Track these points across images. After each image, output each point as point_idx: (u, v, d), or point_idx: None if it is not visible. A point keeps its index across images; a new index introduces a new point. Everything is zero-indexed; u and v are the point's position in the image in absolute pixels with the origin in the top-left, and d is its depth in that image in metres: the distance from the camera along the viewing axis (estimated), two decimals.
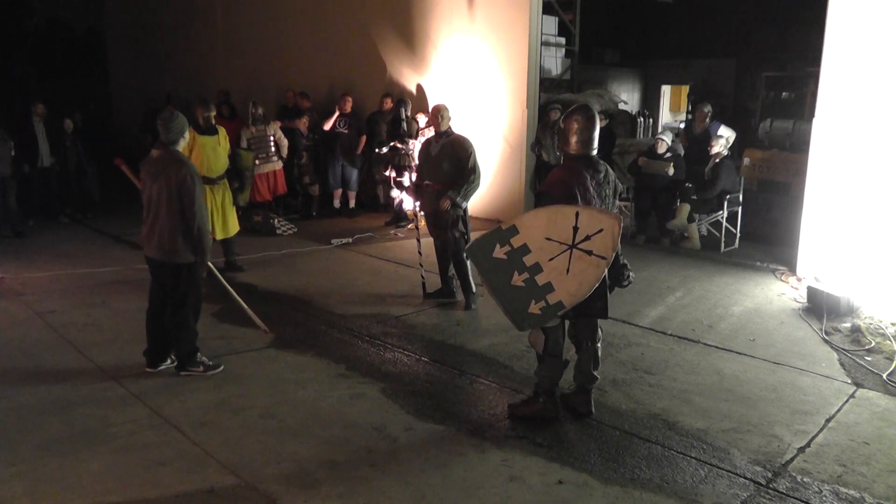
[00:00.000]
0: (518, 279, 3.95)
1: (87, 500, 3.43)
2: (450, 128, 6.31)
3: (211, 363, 4.93)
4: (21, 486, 3.53)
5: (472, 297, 6.36)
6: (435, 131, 6.36)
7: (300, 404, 4.47)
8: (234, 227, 7.35)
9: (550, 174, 4.32)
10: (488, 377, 4.87)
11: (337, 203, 10.77)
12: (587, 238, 3.87)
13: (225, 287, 5.40)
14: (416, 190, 6.57)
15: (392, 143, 10.01)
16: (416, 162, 9.69)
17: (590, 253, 3.87)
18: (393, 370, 5.01)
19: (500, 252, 3.96)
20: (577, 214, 3.89)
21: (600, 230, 3.86)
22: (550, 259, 3.91)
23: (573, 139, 4.16)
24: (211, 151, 7.05)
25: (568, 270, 3.91)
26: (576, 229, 3.88)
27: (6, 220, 9.31)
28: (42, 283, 7.10)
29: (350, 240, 8.96)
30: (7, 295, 6.69)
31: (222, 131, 7.30)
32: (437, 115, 6.29)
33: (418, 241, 6.85)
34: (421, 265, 6.79)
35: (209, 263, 5.06)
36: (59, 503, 3.41)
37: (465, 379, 4.86)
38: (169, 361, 4.99)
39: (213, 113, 7.24)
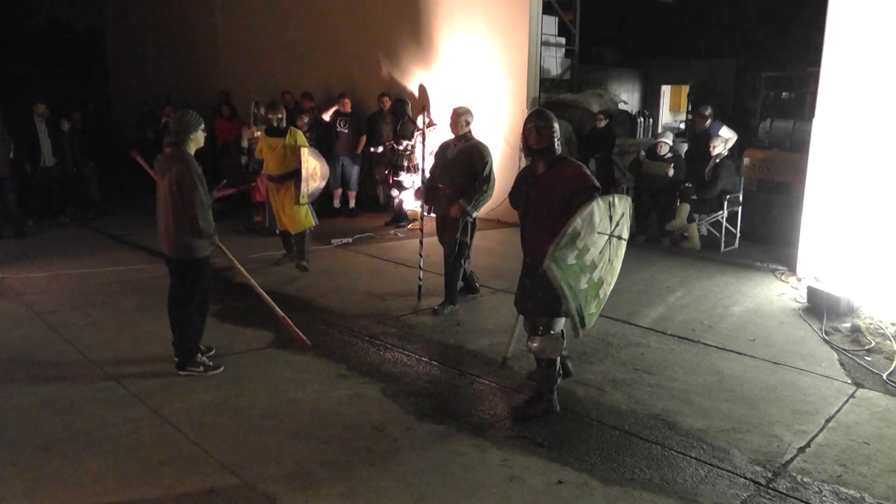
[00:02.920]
0: (584, 281, 3.87)
1: (87, 500, 3.43)
2: (469, 132, 6.16)
3: (211, 364, 4.93)
4: (21, 486, 3.53)
5: (447, 305, 6.23)
6: (453, 134, 6.20)
7: (300, 404, 4.47)
8: (298, 222, 7.35)
9: (579, 170, 4.16)
10: (488, 377, 4.87)
11: (337, 203, 10.78)
12: (617, 224, 3.98)
13: (266, 300, 5.37)
14: (426, 191, 6.37)
15: (388, 143, 10.03)
16: (416, 162, 9.76)
17: (620, 237, 4.02)
18: (393, 370, 5.01)
19: (571, 258, 3.81)
20: (610, 203, 3.93)
21: (623, 213, 4.02)
22: (600, 252, 3.93)
23: (556, 140, 4.22)
24: (273, 152, 7.29)
25: (610, 259, 4.01)
26: (611, 217, 3.93)
27: (6, 220, 9.31)
28: (42, 283, 7.10)
29: (350, 240, 8.96)
30: (7, 295, 6.69)
31: (294, 133, 7.35)
32: (457, 118, 6.12)
33: (421, 243, 6.81)
34: (420, 267, 6.77)
35: (238, 265, 5.15)
36: (59, 503, 3.41)
37: (465, 379, 4.86)
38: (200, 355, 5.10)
39: (281, 115, 7.34)
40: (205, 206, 4.67)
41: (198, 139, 4.83)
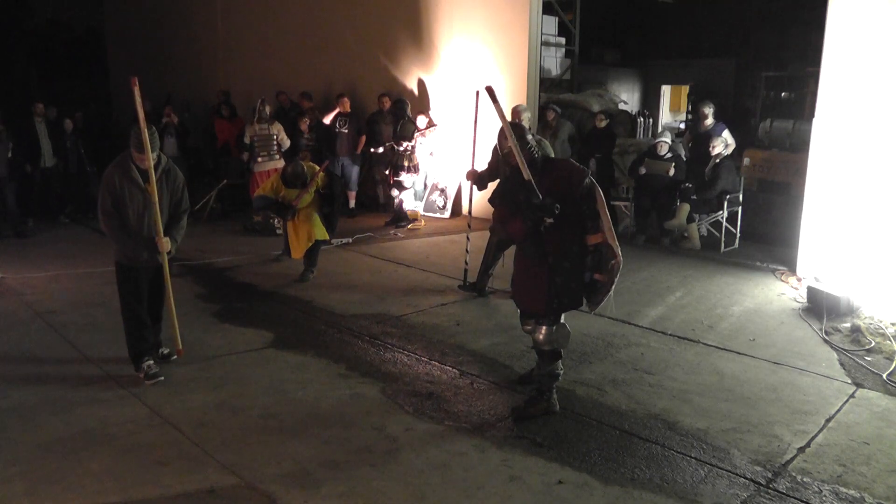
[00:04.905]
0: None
1: (87, 500, 3.43)
2: (528, 128, 6.32)
3: (153, 373, 4.75)
4: (21, 486, 3.53)
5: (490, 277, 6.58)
6: None
7: (300, 404, 4.47)
8: (311, 233, 7.18)
9: (569, 166, 4.27)
10: (488, 377, 4.87)
11: None
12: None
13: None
14: (478, 180, 6.41)
15: (389, 144, 10.03)
16: (416, 162, 9.75)
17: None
18: (393, 370, 5.00)
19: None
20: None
21: None
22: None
23: (534, 150, 4.27)
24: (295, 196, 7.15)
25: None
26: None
27: (6, 220, 9.31)
28: (42, 283, 7.10)
29: (350, 240, 8.96)
30: (7, 295, 6.69)
31: (313, 177, 7.13)
32: (516, 116, 6.28)
33: (468, 238, 6.86)
34: (466, 262, 6.83)
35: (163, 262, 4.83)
36: (59, 503, 3.41)
37: (465, 379, 4.86)
38: (156, 353, 5.02)
39: (300, 169, 7.10)
40: (99, 215, 4.67)
41: (133, 154, 4.61)
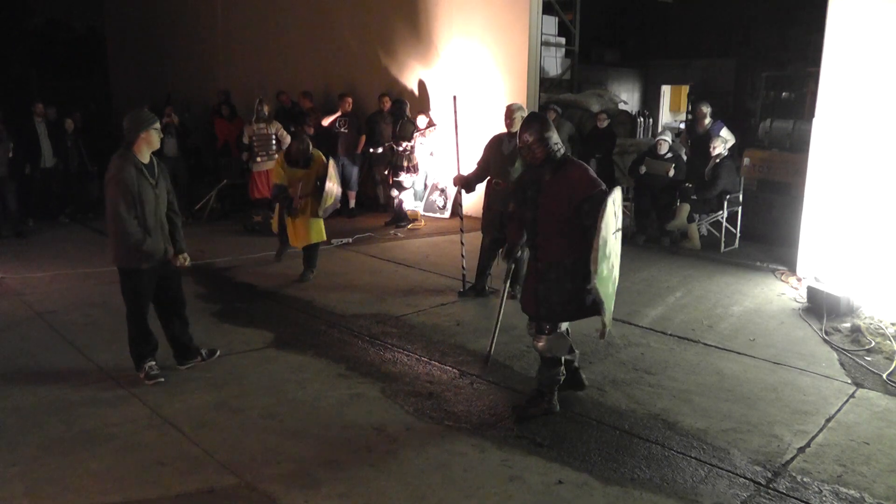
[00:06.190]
0: (611, 286, 4.01)
1: (87, 500, 3.43)
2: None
3: (154, 373, 4.74)
4: (21, 486, 3.53)
5: (518, 288, 6.08)
6: (507, 129, 6.25)
7: (300, 404, 4.47)
8: (308, 235, 7.16)
9: (585, 173, 4.09)
10: (488, 377, 4.87)
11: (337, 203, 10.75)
12: (616, 216, 3.95)
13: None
14: (466, 184, 6.39)
15: (388, 144, 10.03)
16: (415, 162, 9.75)
17: (617, 230, 4.01)
18: (393, 370, 5.00)
19: (605, 269, 3.83)
20: (613, 200, 3.83)
21: (619, 204, 4.02)
22: (617, 252, 4.05)
23: (554, 146, 4.12)
24: (297, 180, 7.10)
25: (617, 254, 4.07)
26: (615, 213, 3.91)
27: (6, 220, 9.31)
28: (42, 283, 7.10)
29: (350, 240, 8.96)
30: (7, 295, 6.69)
31: (316, 160, 7.09)
32: (511, 115, 6.24)
33: (462, 242, 6.84)
34: (463, 267, 6.79)
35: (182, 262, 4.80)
36: (59, 503, 3.41)
37: (465, 379, 4.86)
38: (199, 358, 5.04)
39: (305, 146, 7.06)
40: (121, 216, 4.39)
41: (150, 139, 4.52)
